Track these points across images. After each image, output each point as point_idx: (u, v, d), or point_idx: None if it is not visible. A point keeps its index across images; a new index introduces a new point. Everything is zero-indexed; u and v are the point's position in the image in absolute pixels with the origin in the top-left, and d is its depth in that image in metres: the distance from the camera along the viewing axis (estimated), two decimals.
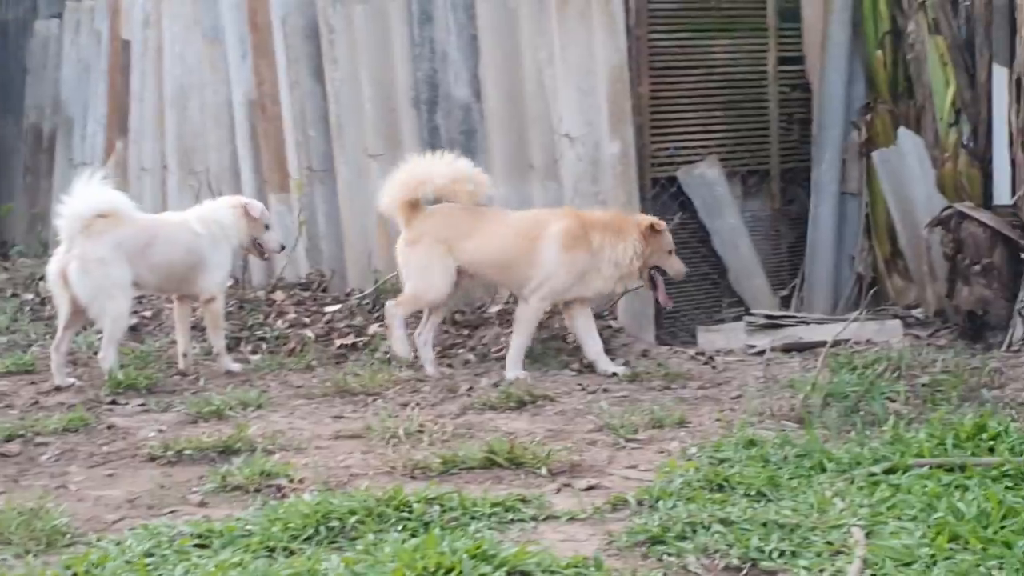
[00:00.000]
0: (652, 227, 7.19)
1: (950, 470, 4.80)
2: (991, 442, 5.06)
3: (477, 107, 8.60)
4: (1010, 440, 5.05)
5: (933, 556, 3.90)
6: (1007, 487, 4.56)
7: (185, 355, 7.42)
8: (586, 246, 7.19)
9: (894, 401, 6.17)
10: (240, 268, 8.78)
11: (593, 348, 7.31)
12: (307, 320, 8.43)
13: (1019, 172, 7.75)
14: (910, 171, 8.37)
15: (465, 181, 7.28)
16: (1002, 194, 7.94)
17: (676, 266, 7.31)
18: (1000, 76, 7.84)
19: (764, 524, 4.27)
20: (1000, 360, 7.26)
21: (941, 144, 8.18)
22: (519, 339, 7.27)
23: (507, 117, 8.48)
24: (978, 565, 3.79)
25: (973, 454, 4.98)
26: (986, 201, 8.01)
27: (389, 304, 7.47)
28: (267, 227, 7.62)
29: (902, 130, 8.39)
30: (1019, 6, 7.59)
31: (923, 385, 6.55)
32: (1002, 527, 4.05)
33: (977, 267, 7.76)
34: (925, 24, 8.15)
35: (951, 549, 3.95)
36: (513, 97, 8.44)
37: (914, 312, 8.45)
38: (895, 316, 8.33)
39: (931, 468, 4.82)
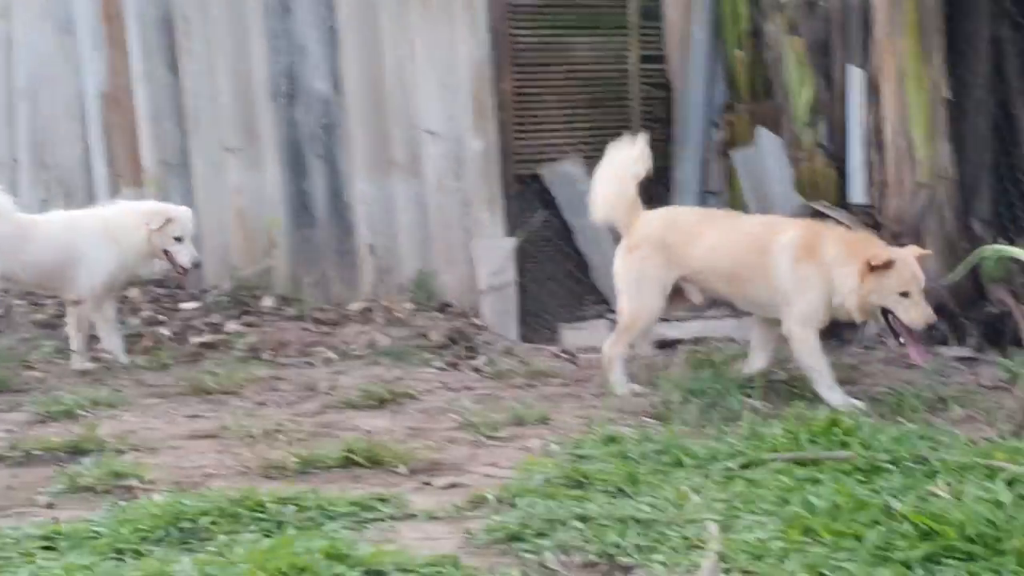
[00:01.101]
0: (869, 263, 6.01)
1: (804, 464, 4.85)
2: (844, 437, 5.13)
3: (337, 101, 8.50)
4: (862, 434, 5.13)
5: (786, 549, 3.93)
6: (859, 480, 4.63)
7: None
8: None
9: (751, 397, 6.23)
10: None
11: None
12: (162, 318, 8.25)
13: (873, 172, 7.90)
14: (769, 170, 8.48)
15: None
16: (857, 193, 8.08)
17: (911, 313, 5.99)
18: (854, 77, 7.98)
19: (622, 520, 4.26)
20: (855, 356, 7.41)
21: (799, 144, 8.31)
22: None
23: (368, 112, 8.42)
24: (829, 557, 3.83)
25: (826, 449, 5.04)
26: (841, 200, 8.15)
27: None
28: (179, 239, 7.20)
29: (761, 130, 8.50)
30: (873, 7, 7.74)
31: (780, 381, 6.63)
32: (853, 520, 4.08)
33: None
34: (783, 25, 8.27)
35: (803, 542, 3.98)
36: (374, 91, 8.38)
37: None
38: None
39: (785, 463, 4.87)
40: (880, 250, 6.08)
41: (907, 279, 5.97)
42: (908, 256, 6.05)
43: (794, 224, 6.48)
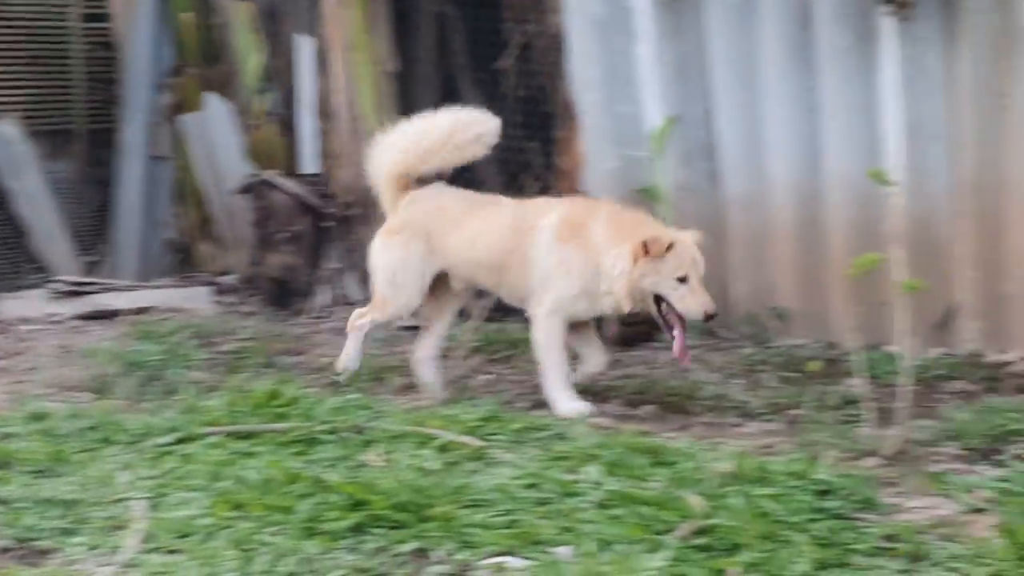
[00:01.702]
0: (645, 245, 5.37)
1: (242, 437, 4.77)
2: (283, 408, 5.08)
3: None
4: (302, 405, 5.11)
5: (214, 525, 3.83)
6: (296, 452, 4.60)
7: None
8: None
9: (196, 369, 6.11)
10: None
11: None
12: None
13: (323, 142, 7.95)
14: (219, 137, 8.39)
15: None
16: (308, 162, 8.11)
17: (687, 301, 5.34)
18: (303, 46, 7.98)
19: (43, 502, 4.04)
20: (304, 326, 7.44)
21: (249, 111, 8.24)
22: None
23: None
24: (258, 532, 3.76)
25: (266, 421, 4.98)
26: (293, 169, 8.16)
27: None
28: None
29: (210, 95, 8.37)
30: None
31: (227, 352, 6.56)
32: (285, 493, 4.04)
33: (283, 235, 7.87)
34: None
35: (233, 517, 3.89)
36: None
37: (224, 279, 8.48)
38: (205, 283, 8.34)
39: (223, 436, 4.77)
40: (657, 231, 5.47)
41: (686, 263, 5.36)
42: (688, 238, 5.48)
43: (560, 204, 5.83)
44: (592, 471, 4.26)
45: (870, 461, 4.67)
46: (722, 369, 6.21)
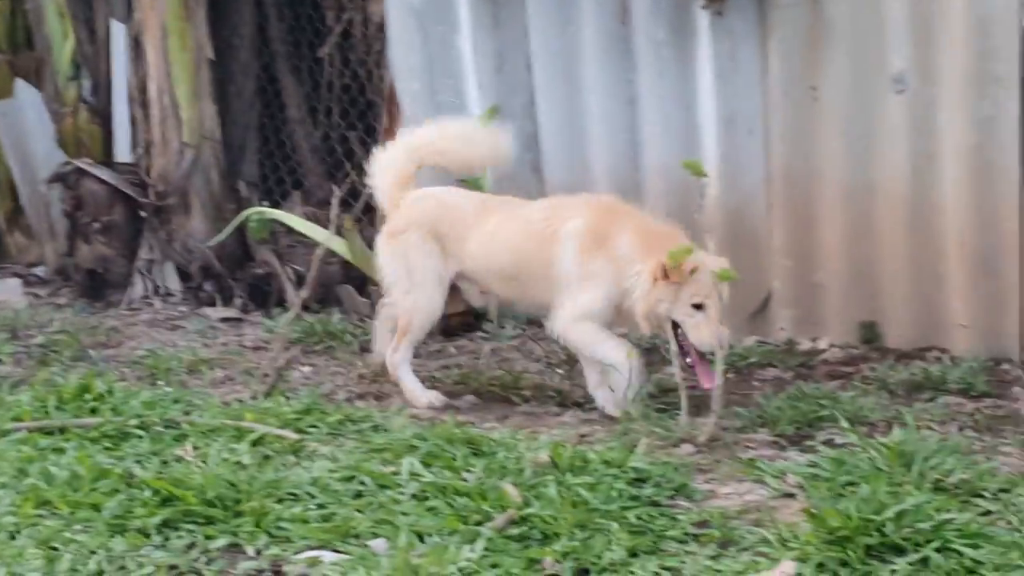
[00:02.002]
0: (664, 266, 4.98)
1: (50, 433, 4.64)
2: (95, 402, 4.98)
3: None
4: (114, 400, 5.00)
5: (18, 524, 3.72)
6: (106, 448, 4.50)
7: None
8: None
9: (3, 363, 5.96)
10: None
11: None
12: None
13: (139, 130, 7.79)
14: (29, 125, 8.20)
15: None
16: (123, 151, 7.94)
17: (700, 331, 4.95)
18: (118, 32, 7.81)
19: None
20: (119, 319, 7.28)
21: (62, 98, 8.03)
22: None
23: None
24: (64, 530, 3.67)
25: (75, 415, 4.86)
26: (108, 158, 7.98)
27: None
28: None
29: (19, 82, 8.18)
30: None
31: (37, 345, 6.41)
32: (93, 489, 3.95)
33: (97, 225, 7.70)
34: None
35: (39, 515, 3.79)
36: None
37: (35, 270, 8.35)
38: (15, 275, 8.17)
39: (29, 432, 4.63)
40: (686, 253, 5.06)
41: (705, 289, 4.97)
42: (713, 263, 5.06)
43: (585, 208, 5.37)
44: (409, 463, 4.24)
45: (685, 448, 4.74)
46: (543, 359, 6.25)
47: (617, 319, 5.35)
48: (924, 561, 3.47)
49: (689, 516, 3.92)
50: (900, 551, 3.52)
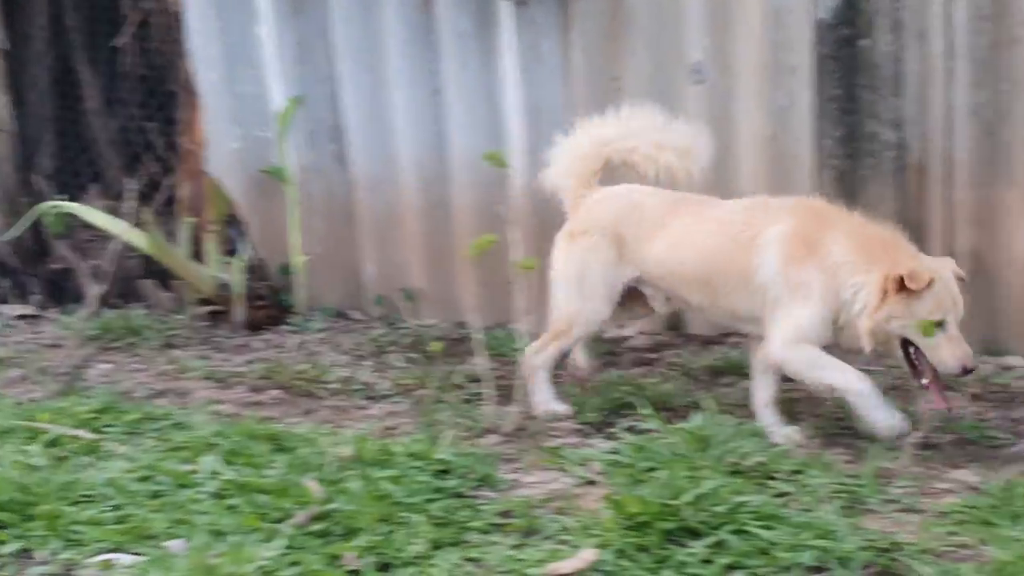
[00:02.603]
0: (901, 280, 4.43)
1: None
2: None
3: None
4: None
5: None
6: None
7: None
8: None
9: None
10: None
11: None
12: None
13: None
14: None
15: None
16: None
17: (942, 352, 4.43)
18: None
19: None
20: None
21: None
22: None
23: None
24: None
25: None
26: None
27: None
28: None
29: None
30: None
31: None
32: None
33: None
34: None
35: None
36: None
37: None
38: None
39: None
40: (913, 260, 4.56)
41: (946, 304, 4.46)
42: (947, 271, 4.57)
43: (788, 210, 4.86)
44: (209, 461, 4.20)
45: (491, 438, 4.80)
46: (351, 351, 6.24)
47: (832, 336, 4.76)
48: (720, 544, 3.57)
49: (493, 506, 3.96)
50: (697, 535, 3.61)
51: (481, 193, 6.46)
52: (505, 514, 3.92)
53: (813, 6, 5.85)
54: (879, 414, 4.51)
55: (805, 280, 4.59)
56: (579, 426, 4.97)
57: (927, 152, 5.82)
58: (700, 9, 6.05)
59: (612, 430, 4.85)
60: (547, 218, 6.47)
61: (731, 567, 3.54)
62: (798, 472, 4.21)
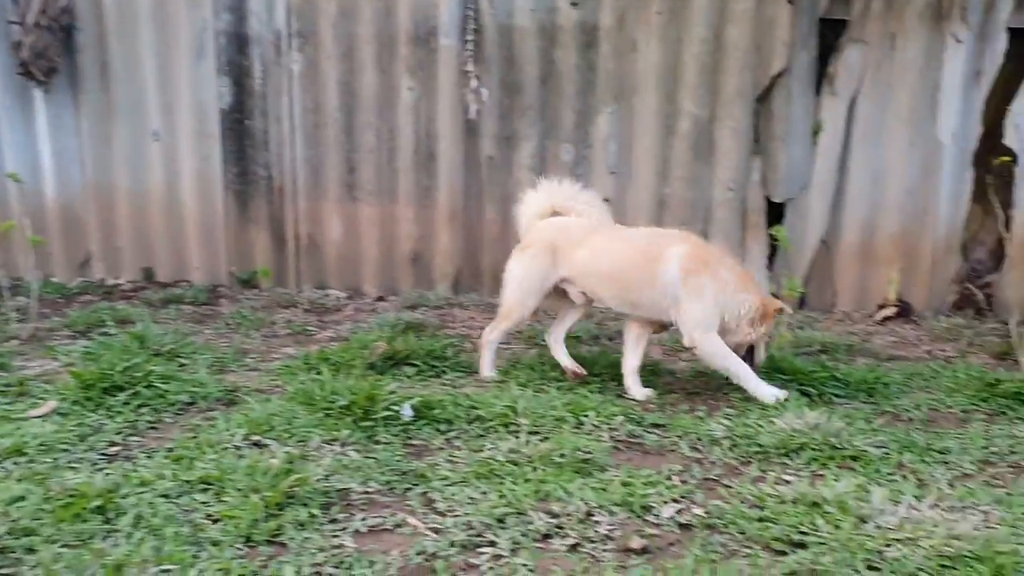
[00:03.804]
0: (779, 311, 5.83)
1: None
2: None
3: None
4: None
5: None
6: None
7: None
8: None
9: None
10: None
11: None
12: None
13: None
14: None
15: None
16: None
17: (760, 354, 5.91)
18: None
19: None
20: None
21: None
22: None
23: None
24: None
25: None
26: None
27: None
28: None
29: None
30: None
31: None
32: None
33: None
34: None
35: None
36: None
37: None
38: None
39: None
40: (773, 298, 5.92)
41: (773, 326, 5.90)
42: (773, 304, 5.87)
43: (682, 239, 5.90)
44: None
45: (12, 343, 5.89)
46: None
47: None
48: (136, 394, 4.69)
49: (2, 381, 5.05)
50: (123, 389, 4.76)
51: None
52: (9, 385, 5.00)
53: (219, 101, 8.46)
54: (763, 389, 5.67)
55: (699, 285, 5.62)
56: (73, 333, 6.29)
57: (284, 181, 8.52)
58: (156, 99, 8.50)
59: (93, 334, 6.29)
60: (66, 218, 8.58)
61: (140, 406, 4.65)
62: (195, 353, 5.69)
